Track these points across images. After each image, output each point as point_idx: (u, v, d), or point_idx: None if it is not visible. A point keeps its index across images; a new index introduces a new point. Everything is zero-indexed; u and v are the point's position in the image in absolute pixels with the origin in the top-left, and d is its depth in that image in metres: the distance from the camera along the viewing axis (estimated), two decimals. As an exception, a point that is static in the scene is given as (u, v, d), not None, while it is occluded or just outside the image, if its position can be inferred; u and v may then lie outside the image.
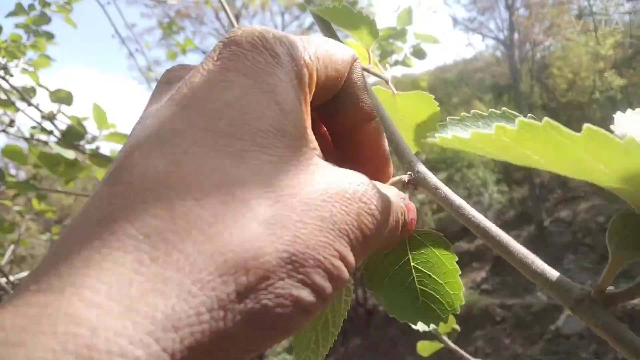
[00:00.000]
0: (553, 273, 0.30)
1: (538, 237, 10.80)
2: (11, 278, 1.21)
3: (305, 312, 0.21)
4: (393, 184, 0.33)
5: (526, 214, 11.86)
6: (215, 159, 0.21)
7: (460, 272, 0.33)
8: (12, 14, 1.57)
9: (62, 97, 1.16)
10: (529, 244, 10.90)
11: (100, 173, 1.11)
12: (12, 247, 1.88)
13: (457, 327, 0.96)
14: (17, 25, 1.55)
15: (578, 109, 13.29)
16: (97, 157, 1.09)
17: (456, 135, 0.24)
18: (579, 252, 9.81)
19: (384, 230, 0.26)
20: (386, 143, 0.33)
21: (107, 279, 0.17)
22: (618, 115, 0.31)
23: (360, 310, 11.99)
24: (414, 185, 0.35)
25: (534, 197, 11.68)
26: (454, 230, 13.65)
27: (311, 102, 0.27)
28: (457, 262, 0.34)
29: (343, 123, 0.32)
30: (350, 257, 0.23)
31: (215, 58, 0.25)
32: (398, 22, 1.79)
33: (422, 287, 0.33)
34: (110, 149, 1.58)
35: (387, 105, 0.45)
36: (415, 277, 0.33)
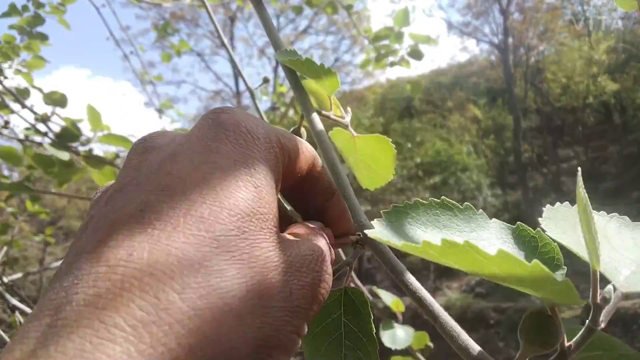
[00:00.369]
0: (475, 348, 0.32)
1: (532, 241, 10.84)
2: (5, 279, 1.20)
3: None
4: (344, 243, 0.36)
5: (520, 217, 11.90)
6: (196, 247, 0.22)
7: (375, 332, 0.36)
8: (5, 14, 1.56)
9: (57, 99, 1.15)
10: (522, 247, 10.93)
11: (95, 174, 1.11)
12: (5, 248, 1.87)
13: (431, 345, 0.97)
14: (11, 27, 1.55)
15: (571, 113, 13.37)
16: (92, 159, 1.09)
17: (389, 240, 0.27)
18: (573, 256, 9.85)
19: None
20: (349, 212, 0.37)
21: None
22: (547, 209, 0.35)
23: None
24: (361, 244, 0.37)
25: (527, 201, 11.73)
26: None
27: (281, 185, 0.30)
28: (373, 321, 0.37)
29: (310, 201, 0.35)
30: (304, 328, 0.25)
31: (199, 137, 0.26)
32: (395, 23, 1.79)
33: (347, 342, 0.34)
34: (103, 150, 1.58)
35: (347, 147, 0.50)
36: (343, 332, 0.35)
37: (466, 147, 13.86)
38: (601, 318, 0.29)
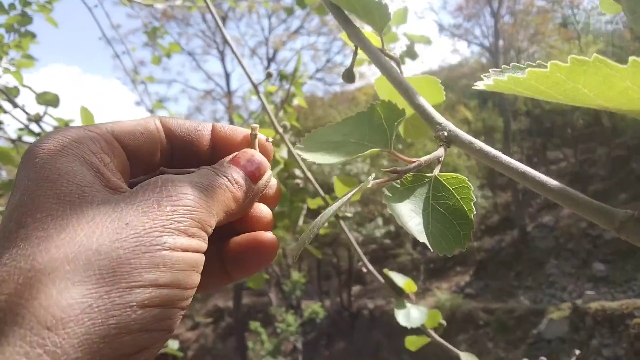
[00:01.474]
0: (595, 202, 0.31)
1: (521, 242, 10.90)
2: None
3: None
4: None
5: (510, 219, 11.97)
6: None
7: (474, 213, 0.34)
8: (-9, 13, 1.54)
9: (49, 100, 1.14)
10: (512, 248, 11.01)
11: None
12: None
13: (444, 322, 0.98)
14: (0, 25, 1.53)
15: (561, 116, 13.46)
16: None
17: (512, 75, 0.26)
18: (562, 257, 9.91)
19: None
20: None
21: None
22: None
23: (345, 314, 12.00)
24: (446, 142, 0.37)
25: (517, 202, 11.79)
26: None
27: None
28: (473, 204, 0.36)
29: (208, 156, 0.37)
30: None
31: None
32: (393, 21, 1.80)
33: (433, 221, 0.34)
34: None
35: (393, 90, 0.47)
36: (430, 213, 0.35)
37: (456, 149, 13.89)
38: None
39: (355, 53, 0.49)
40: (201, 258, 0.27)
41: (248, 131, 0.37)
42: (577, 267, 9.43)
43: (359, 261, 1.08)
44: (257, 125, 0.37)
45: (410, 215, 0.34)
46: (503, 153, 0.36)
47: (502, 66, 0.32)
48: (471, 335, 8.87)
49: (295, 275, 11.68)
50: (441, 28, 17.60)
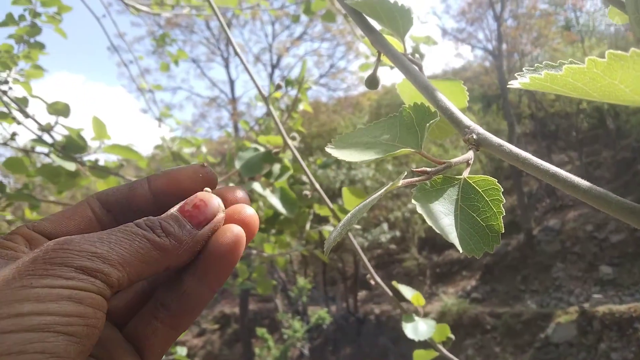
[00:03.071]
0: (628, 202, 0.31)
1: (527, 246, 10.86)
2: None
3: None
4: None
5: (515, 222, 11.93)
6: None
7: (504, 214, 0.35)
8: (2, 24, 1.57)
9: (60, 109, 1.16)
10: (518, 252, 10.97)
11: (100, 184, 1.11)
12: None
13: (452, 336, 0.98)
14: (10, 36, 1.55)
15: (565, 119, 13.44)
16: (97, 169, 1.09)
17: (549, 72, 0.27)
18: (568, 261, 9.87)
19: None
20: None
21: None
22: None
23: (351, 319, 11.97)
24: (476, 145, 0.38)
25: (522, 206, 11.76)
26: (443, 239, 13.66)
27: None
28: (501, 216, 0.36)
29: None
30: None
31: None
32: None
33: (462, 223, 0.35)
34: (105, 159, 1.58)
35: (416, 94, 0.48)
36: (459, 215, 0.35)
37: (461, 152, 13.90)
38: None
39: (378, 59, 0.49)
40: (79, 294, 0.27)
41: (192, 173, 0.37)
42: (584, 270, 9.38)
43: (365, 268, 1.09)
44: (205, 164, 0.37)
45: (440, 216, 0.34)
46: None
47: (535, 65, 0.32)
48: (478, 340, 8.84)
49: (301, 281, 11.68)
50: (444, 32, 17.62)
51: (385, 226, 12.60)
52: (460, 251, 0.32)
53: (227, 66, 16.37)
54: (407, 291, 1.00)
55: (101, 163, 1.19)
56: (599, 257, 9.42)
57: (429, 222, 0.33)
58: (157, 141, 2.24)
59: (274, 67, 16.37)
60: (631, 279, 8.41)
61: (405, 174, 0.34)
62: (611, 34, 14.15)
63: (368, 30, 0.49)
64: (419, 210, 0.33)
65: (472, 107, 15.27)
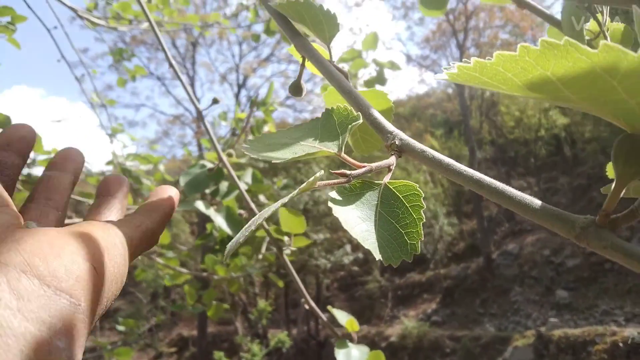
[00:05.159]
0: (554, 209, 0.30)
1: (487, 270, 11.02)
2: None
3: None
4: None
5: (475, 246, 12.12)
6: None
7: (424, 221, 0.33)
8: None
9: (1, 122, 1.11)
10: (477, 276, 11.12)
11: None
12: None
13: None
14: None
15: (524, 145, 13.82)
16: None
17: (478, 60, 0.25)
18: (526, 285, 10.05)
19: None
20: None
21: None
22: None
23: (312, 343, 11.85)
24: (398, 151, 0.36)
25: (482, 230, 11.96)
26: (405, 261, 13.78)
27: None
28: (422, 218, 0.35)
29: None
30: None
31: None
32: (363, 46, 1.81)
33: (380, 230, 0.33)
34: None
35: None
36: (377, 221, 0.34)
37: (423, 176, 14.10)
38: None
39: (302, 65, 0.48)
40: None
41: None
42: (541, 294, 9.57)
43: (328, 288, 1.07)
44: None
45: (357, 221, 0.32)
46: None
47: (464, 59, 0.30)
48: (438, 363, 8.86)
49: (262, 303, 11.52)
50: (409, 59, 17.99)
51: (348, 248, 12.61)
52: (377, 259, 0.31)
53: (192, 84, 16.26)
54: (341, 316, 0.98)
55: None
56: (555, 282, 9.63)
57: (345, 227, 0.31)
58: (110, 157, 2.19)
59: (240, 87, 16.36)
60: (586, 303, 8.61)
61: (322, 172, 0.33)
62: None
63: (293, 34, 0.47)
64: (336, 214, 0.31)
65: (435, 133, 15.56)
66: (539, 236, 11.24)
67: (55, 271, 0.26)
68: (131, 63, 2.39)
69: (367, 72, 1.86)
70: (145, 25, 2.19)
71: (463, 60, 0.27)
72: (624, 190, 0.28)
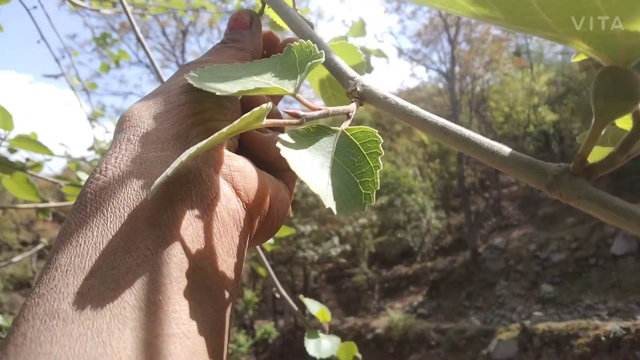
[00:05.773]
0: (524, 156, 0.28)
1: (473, 263, 11.11)
2: None
3: None
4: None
5: (462, 240, 12.20)
6: None
7: (380, 168, 0.31)
8: None
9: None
10: (464, 269, 11.20)
11: (6, 181, 1.00)
12: None
13: (359, 356, 0.93)
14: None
15: (513, 141, 13.89)
16: (0, 164, 0.98)
17: None
18: (511, 279, 10.15)
19: None
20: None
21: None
22: None
23: (299, 334, 11.90)
24: (359, 98, 0.35)
25: (469, 224, 12.04)
26: (392, 254, 13.85)
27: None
28: (381, 159, 0.32)
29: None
30: None
31: None
32: (351, 33, 1.81)
33: (334, 179, 0.30)
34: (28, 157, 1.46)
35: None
36: (331, 169, 0.31)
37: (412, 170, 14.15)
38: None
39: (262, 10, 0.46)
40: None
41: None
42: (526, 288, 9.66)
43: (315, 280, 1.06)
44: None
45: (309, 167, 0.30)
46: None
47: None
48: (423, 356, 8.93)
49: (249, 294, 11.53)
50: (400, 52, 17.95)
51: (336, 240, 12.64)
52: (326, 207, 0.28)
53: (152, 64, 16.12)
54: (313, 306, 0.96)
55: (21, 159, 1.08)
56: (540, 276, 9.72)
57: (298, 174, 0.28)
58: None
59: (230, 76, 16.25)
60: (570, 297, 8.71)
61: (270, 104, 0.30)
62: (558, 62, 14.80)
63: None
64: (285, 156, 0.29)
65: (425, 126, 15.57)
66: (526, 231, 11.33)
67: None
68: (115, 48, 2.36)
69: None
70: (130, 8, 2.15)
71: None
72: (602, 133, 0.25)
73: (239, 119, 0.28)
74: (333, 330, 0.95)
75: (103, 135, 2.68)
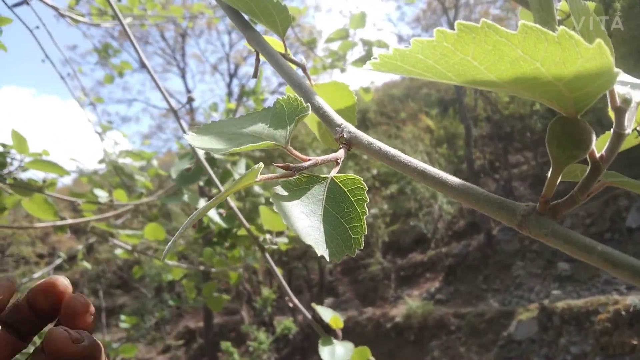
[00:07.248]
0: (496, 197, 0.30)
1: (487, 246, 11.08)
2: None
3: None
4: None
5: (475, 223, 12.15)
6: None
7: (367, 214, 0.33)
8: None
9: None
10: (479, 252, 11.17)
11: (25, 203, 1.02)
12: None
13: (373, 359, 0.95)
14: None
15: (519, 120, 13.80)
16: (18, 187, 1.00)
17: (397, 49, 0.24)
18: (527, 259, 10.11)
19: None
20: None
21: None
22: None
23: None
24: (347, 144, 0.36)
25: (482, 207, 11.96)
26: (406, 242, 13.84)
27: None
28: (366, 213, 0.34)
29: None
30: None
31: None
32: (351, 24, 1.80)
33: (325, 225, 0.32)
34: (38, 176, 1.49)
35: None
36: (322, 216, 0.33)
37: (420, 156, 14.11)
38: (625, 122, 0.26)
39: (257, 59, 0.47)
40: None
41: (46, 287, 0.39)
42: (543, 267, 9.62)
43: (331, 272, 1.07)
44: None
45: (300, 216, 0.31)
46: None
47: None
48: (444, 341, 8.94)
49: (266, 291, 11.58)
50: (400, 39, 17.83)
51: (349, 232, 12.62)
52: (318, 255, 0.30)
53: (183, 76, 16.18)
54: (325, 313, 0.98)
55: (37, 180, 1.11)
56: (556, 254, 9.68)
57: (286, 222, 0.30)
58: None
59: (232, 76, 16.28)
60: (588, 274, 8.67)
61: (261, 165, 0.32)
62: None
63: (244, 27, 0.47)
64: (277, 209, 0.30)
65: (430, 112, 15.53)
66: (538, 210, 11.26)
67: None
68: (118, 58, 2.37)
69: (356, 51, 1.86)
70: (129, 20, 2.17)
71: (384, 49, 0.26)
72: (560, 176, 0.28)
73: (237, 179, 0.30)
74: (352, 322, 0.95)
75: (113, 147, 2.71)
